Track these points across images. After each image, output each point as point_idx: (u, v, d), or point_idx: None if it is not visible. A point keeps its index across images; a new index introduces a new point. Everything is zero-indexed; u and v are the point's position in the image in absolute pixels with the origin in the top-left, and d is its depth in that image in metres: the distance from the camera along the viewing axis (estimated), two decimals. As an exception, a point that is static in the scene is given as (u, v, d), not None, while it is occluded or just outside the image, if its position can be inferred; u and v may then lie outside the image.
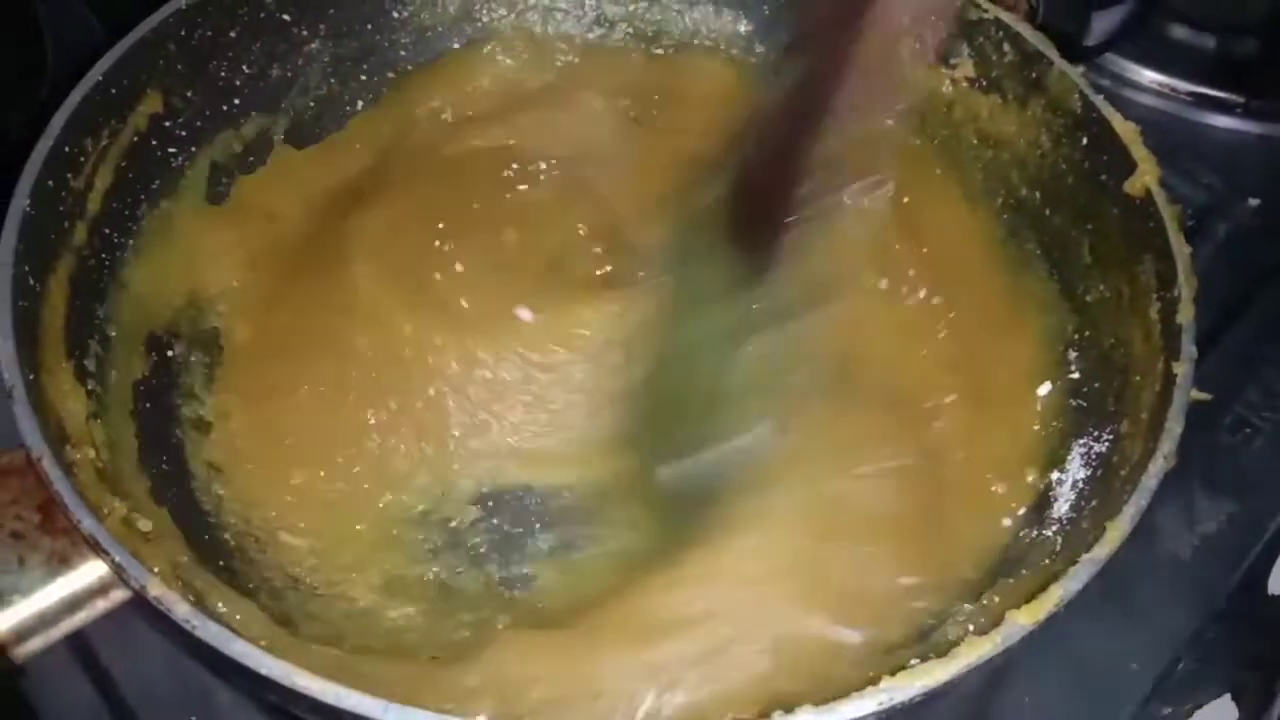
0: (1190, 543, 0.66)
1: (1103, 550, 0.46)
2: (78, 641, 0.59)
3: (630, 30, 0.81)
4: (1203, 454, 0.68)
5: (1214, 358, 0.72)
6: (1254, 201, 0.81)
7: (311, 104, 0.74)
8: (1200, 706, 0.62)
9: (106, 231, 0.61)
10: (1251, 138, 0.86)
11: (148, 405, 0.61)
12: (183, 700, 0.59)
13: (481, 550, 0.62)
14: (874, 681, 0.41)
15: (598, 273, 0.70)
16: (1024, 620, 0.44)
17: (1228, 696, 0.62)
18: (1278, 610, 0.65)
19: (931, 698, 0.43)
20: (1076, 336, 0.64)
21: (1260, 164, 0.84)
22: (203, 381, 0.65)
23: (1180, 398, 0.51)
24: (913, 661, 0.44)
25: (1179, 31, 0.89)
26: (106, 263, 0.61)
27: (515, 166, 0.73)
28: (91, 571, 0.47)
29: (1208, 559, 0.65)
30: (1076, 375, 0.63)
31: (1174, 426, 0.50)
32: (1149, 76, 0.87)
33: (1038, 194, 0.68)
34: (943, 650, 0.43)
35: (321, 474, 0.62)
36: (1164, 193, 0.58)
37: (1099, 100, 0.62)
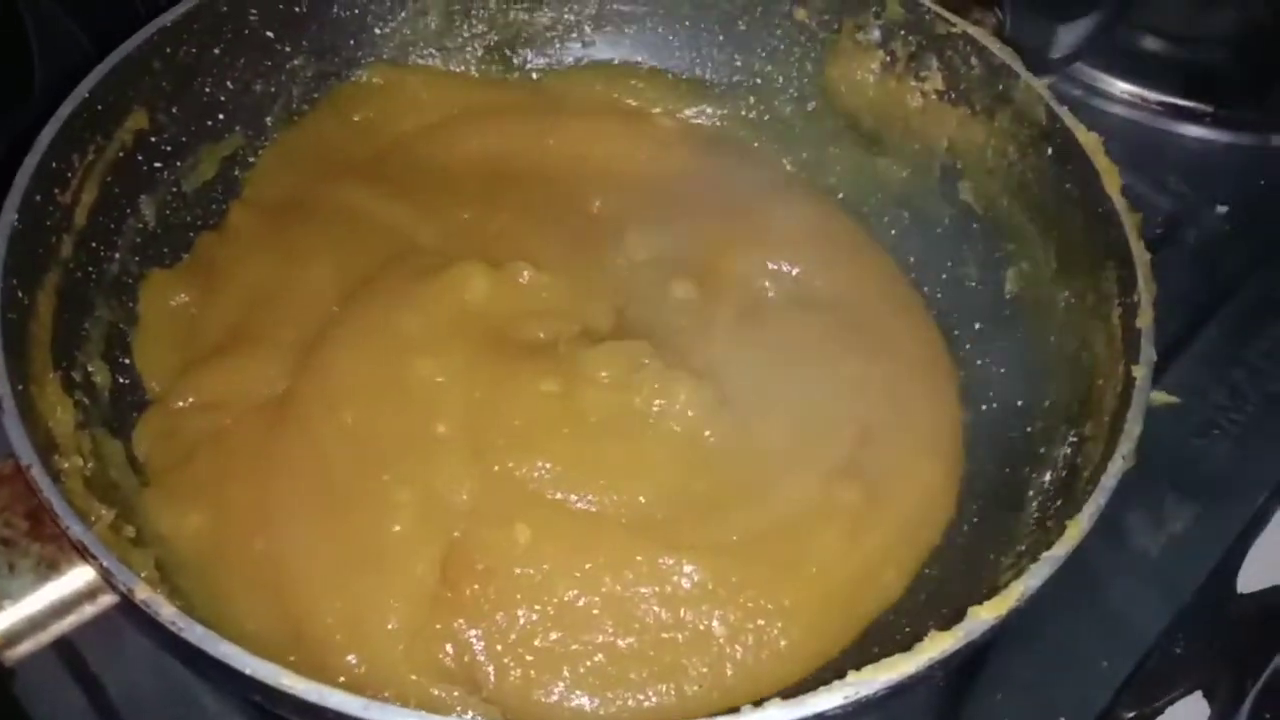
0: (1159, 541, 0.67)
1: (1062, 548, 0.47)
2: (66, 648, 0.60)
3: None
4: (1172, 455, 0.69)
5: (1183, 361, 0.73)
6: (1222, 209, 0.83)
7: (294, 118, 0.75)
8: (1172, 703, 0.62)
9: (93, 245, 0.62)
10: (1220, 146, 0.87)
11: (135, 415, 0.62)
12: (168, 705, 0.60)
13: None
14: (840, 675, 0.42)
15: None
16: (986, 615, 0.45)
17: (1200, 694, 0.63)
18: (1246, 608, 0.65)
19: (898, 692, 0.44)
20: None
21: (1228, 172, 0.86)
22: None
23: (1139, 400, 0.52)
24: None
25: (1149, 42, 0.91)
26: (93, 276, 0.62)
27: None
28: (79, 577, 0.48)
29: (1177, 558, 0.66)
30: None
31: (1133, 428, 0.51)
32: (1120, 86, 0.88)
33: (1005, 202, 0.69)
34: (907, 645, 0.44)
35: None
36: (1125, 201, 0.59)
37: (1063, 111, 0.64)
